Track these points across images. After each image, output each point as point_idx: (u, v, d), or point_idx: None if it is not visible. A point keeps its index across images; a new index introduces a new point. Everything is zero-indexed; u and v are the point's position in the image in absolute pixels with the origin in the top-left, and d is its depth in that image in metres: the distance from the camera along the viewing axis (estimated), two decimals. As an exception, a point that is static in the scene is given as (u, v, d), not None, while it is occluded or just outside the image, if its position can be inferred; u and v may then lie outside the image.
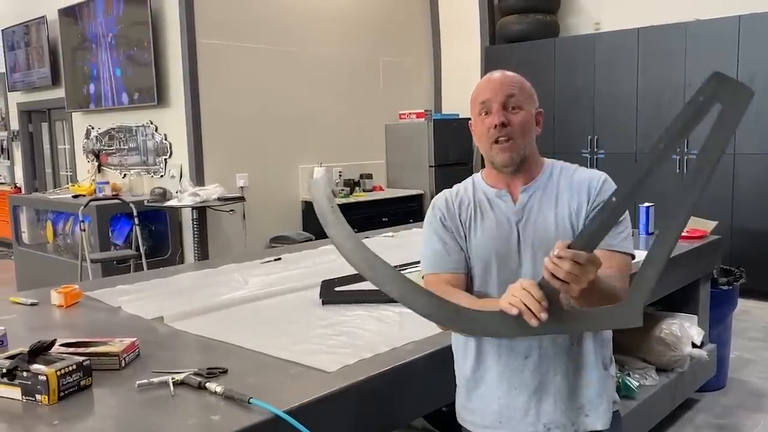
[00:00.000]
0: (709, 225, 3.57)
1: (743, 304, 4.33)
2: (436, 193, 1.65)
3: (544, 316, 1.18)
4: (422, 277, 1.59)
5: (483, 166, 1.62)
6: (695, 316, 3.35)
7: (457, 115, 7.06)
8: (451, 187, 1.63)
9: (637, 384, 2.97)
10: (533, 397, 1.48)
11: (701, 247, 3.32)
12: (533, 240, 1.47)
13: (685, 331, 3.18)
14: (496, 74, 1.53)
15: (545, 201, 1.50)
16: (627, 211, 1.45)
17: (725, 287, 3.60)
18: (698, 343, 3.23)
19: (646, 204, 3.45)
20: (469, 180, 1.62)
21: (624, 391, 2.88)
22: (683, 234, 3.43)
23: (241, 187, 5.92)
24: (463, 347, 1.58)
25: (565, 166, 1.56)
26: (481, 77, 1.56)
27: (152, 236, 5.92)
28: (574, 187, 1.49)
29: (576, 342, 1.48)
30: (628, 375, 3.00)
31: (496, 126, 1.45)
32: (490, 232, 1.51)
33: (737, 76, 5.41)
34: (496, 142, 1.47)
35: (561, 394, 1.48)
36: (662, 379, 3.11)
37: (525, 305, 1.19)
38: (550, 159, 1.58)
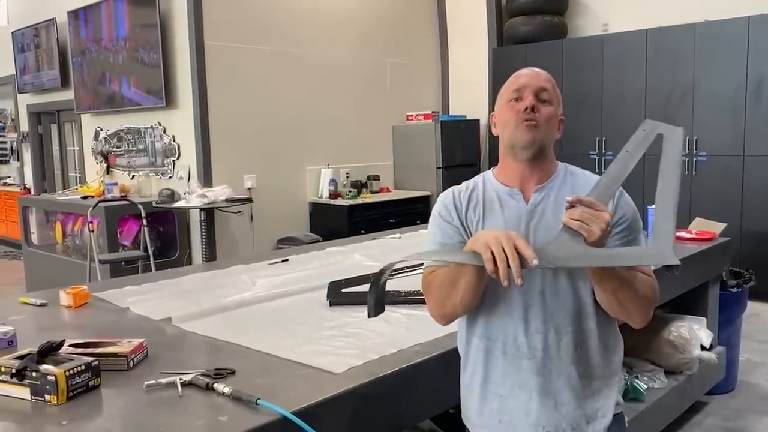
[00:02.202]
0: (718, 227, 3.55)
1: (753, 307, 4.31)
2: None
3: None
4: (423, 271, 1.55)
5: (491, 167, 1.60)
6: (704, 318, 3.33)
7: (465, 116, 7.06)
8: (462, 182, 1.60)
9: (646, 386, 2.95)
10: (534, 399, 1.47)
11: (710, 249, 3.31)
12: (545, 241, 1.43)
13: (694, 333, 3.17)
14: (529, 69, 1.54)
15: (558, 204, 1.47)
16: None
17: (734, 289, 3.59)
18: (707, 345, 3.21)
19: (654, 206, 3.43)
20: (479, 177, 1.59)
21: (632, 394, 2.86)
22: (692, 236, 3.41)
23: (249, 189, 5.94)
24: (465, 346, 1.57)
25: (578, 171, 1.54)
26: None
27: (160, 237, 5.95)
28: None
29: (581, 347, 1.47)
30: (637, 377, 2.98)
31: (526, 108, 1.45)
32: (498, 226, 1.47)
33: (746, 78, 5.41)
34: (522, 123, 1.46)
35: (563, 398, 1.46)
36: (671, 381, 3.09)
37: (505, 260, 1.22)
38: (562, 162, 1.56)
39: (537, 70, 1.53)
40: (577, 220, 1.27)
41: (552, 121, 1.49)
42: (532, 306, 1.45)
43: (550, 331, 1.45)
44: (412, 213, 6.47)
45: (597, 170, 1.56)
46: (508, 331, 1.47)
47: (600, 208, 1.28)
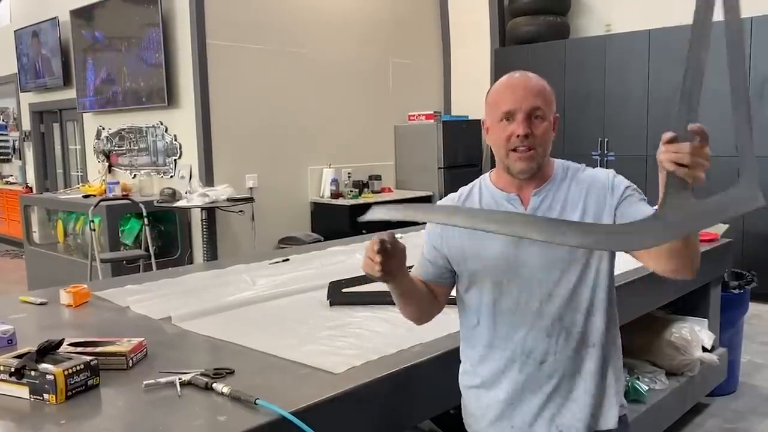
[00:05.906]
0: (720, 228, 3.54)
1: (755, 308, 4.30)
2: (445, 195, 1.61)
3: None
4: None
5: (492, 167, 1.59)
6: (706, 319, 3.32)
7: (467, 116, 7.05)
8: (459, 189, 1.59)
9: (647, 388, 2.94)
10: (547, 400, 1.47)
11: (712, 250, 3.29)
12: (544, 246, 1.42)
13: (695, 334, 3.16)
14: (518, 77, 1.46)
15: (556, 204, 1.46)
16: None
17: (736, 291, 3.58)
18: (709, 347, 3.21)
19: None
20: (476, 182, 1.57)
21: (633, 395, 2.85)
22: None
23: (251, 188, 5.93)
24: (469, 355, 1.56)
25: (572, 166, 1.53)
26: (491, 79, 1.54)
27: (161, 236, 5.95)
28: (589, 189, 1.46)
29: (593, 345, 1.47)
30: (638, 379, 2.97)
31: (518, 136, 1.41)
32: (499, 239, 1.45)
33: (749, 78, 5.38)
34: (515, 150, 1.43)
35: (573, 395, 1.47)
36: (672, 383, 3.09)
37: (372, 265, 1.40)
38: (558, 159, 1.55)
39: (526, 80, 1.45)
40: (685, 166, 1.10)
41: (547, 135, 1.44)
42: (542, 311, 1.44)
43: (561, 334, 1.44)
44: (414, 213, 6.45)
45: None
46: (516, 338, 1.47)
47: (707, 142, 1.12)
